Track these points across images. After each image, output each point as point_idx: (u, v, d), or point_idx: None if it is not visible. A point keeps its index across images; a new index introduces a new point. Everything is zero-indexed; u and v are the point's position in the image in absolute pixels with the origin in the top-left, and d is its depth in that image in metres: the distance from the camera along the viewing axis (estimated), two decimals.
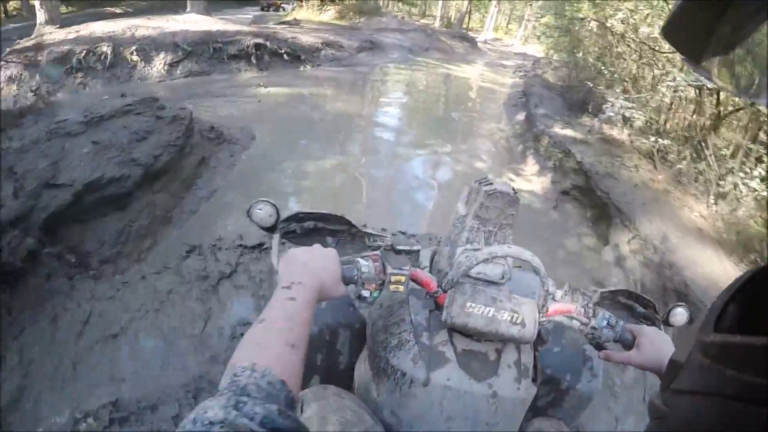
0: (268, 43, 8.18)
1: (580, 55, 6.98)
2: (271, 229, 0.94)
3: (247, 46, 7.83)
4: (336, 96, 7.36)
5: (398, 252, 0.97)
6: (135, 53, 6.89)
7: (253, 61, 7.79)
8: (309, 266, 0.73)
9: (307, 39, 9.24)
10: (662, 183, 4.20)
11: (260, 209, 0.92)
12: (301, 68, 8.59)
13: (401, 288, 0.86)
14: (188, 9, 10.00)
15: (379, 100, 7.79)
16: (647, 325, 1.05)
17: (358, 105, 7.26)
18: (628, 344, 0.92)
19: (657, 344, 0.87)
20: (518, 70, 11.04)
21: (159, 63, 7.03)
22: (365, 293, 0.84)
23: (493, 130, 6.73)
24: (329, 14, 14.56)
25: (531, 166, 5.17)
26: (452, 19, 21.36)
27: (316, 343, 1.18)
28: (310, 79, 8.04)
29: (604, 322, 0.93)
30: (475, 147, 5.93)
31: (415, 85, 9.27)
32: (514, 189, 1.03)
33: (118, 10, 11.31)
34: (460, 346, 0.95)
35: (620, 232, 3.61)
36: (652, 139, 4.57)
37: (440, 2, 20.59)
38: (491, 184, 1.01)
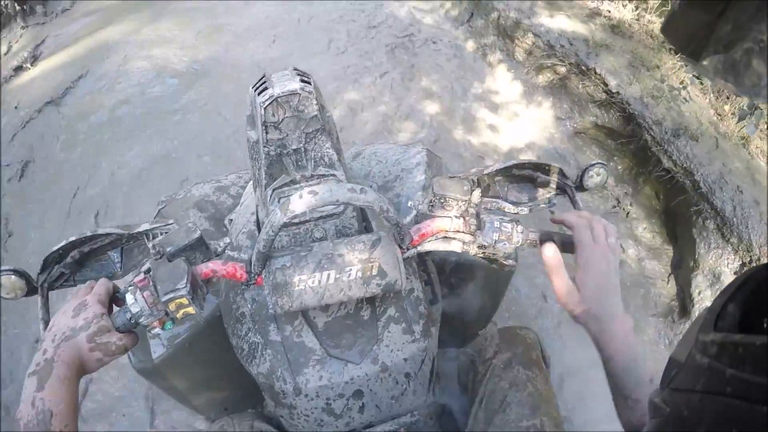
0: None
1: None
2: (31, 292, 0.73)
3: (6, 5, 4.27)
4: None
5: (172, 257, 0.67)
6: None
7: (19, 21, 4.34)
8: (57, 331, 0.59)
9: None
10: (728, 118, 2.52)
11: (1, 284, 0.70)
12: None
13: (191, 310, 0.64)
14: None
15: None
16: (558, 196, 0.86)
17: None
18: (565, 248, 0.69)
19: (598, 287, 0.63)
20: None
21: None
22: (156, 332, 0.66)
23: (407, 16, 3.81)
24: None
25: (508, 86, 3.13)
26: None
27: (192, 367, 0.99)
28: (101, 13, 4.20)
29: (494, 235, 0.70)
30: (404, 60, 3.36)
31: None
32: (303, 77, 0.74)
33: None
34: (321, 321, 0.77)
35: (715, 248, 2.12)
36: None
37: None
38: (266, 88, 0.73)
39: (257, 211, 0.90)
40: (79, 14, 4.37)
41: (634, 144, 2.56)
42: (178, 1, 4.03)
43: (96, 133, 2.91)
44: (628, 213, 2.53)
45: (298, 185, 0.77)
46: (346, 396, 0.76)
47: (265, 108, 0.71)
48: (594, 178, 0.84)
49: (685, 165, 2.28)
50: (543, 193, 0.86)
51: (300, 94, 0.71)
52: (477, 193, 0.75)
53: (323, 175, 0.78)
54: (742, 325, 0.32)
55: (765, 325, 0.31)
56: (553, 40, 3.01)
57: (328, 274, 0.66)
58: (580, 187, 0.85)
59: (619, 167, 2.68)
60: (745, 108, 2.45)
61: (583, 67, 2.82)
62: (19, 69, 3.81)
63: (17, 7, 4.48)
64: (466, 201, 0.73)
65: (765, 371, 0.26)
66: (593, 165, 0.83)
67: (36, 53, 3.98)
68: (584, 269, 0.64)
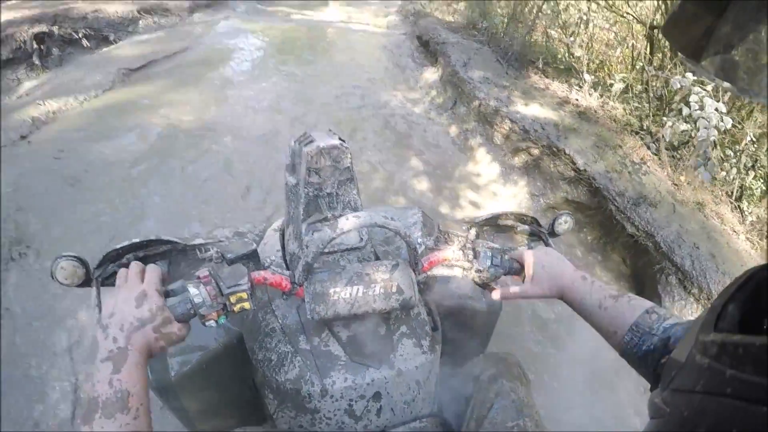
0: (55, 29, 5.27)
1: None
2: (86, 284, 0.80)
3: (24, 42, 5.01)
4: (162, 93, 4.25)
5: (232, 262, 0.83)
6: None
7: (36, 61, 4.96)
8: (123, 320, 0.63)
9: (115, 8, 6.17)
10: (684, 187, 2.86)
11: (63, 268, 0.76)
12: (111, 47, 5.60)
13: (247, 305, 0.75)
14: None
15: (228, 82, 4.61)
16: (534, 241, 1.02)
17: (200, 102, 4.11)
18: (518, 273, 0.87)
19: (548, 266, 0.82)
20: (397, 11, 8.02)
21: None
22: (210, 324, 0.73)
23: (399, 104, 4.29)
24: None
25: (487, 167, 3.49)
26: None
27: (205, 383, 1.03)
28: (121, 66, 4.80)
29: (488, 261, 0.86)
30: (395, 141, 3.75)
31: (275, 45, 5.86)
32: (340, 137, 0.92)
33: None
34: (344, 335, 0.88)
35: (679, 300, 2.34)
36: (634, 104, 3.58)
37: None
38: (312, 141, 0.89)
39: (284, 247, 1.03)
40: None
41: (601, 214, 2.81)
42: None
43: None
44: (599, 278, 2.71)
45: (329, 222, 0.90)
46: (367, 397, 0.85)
47: (311, 156, 0.86)
48: (563, 225, 0.99)
49: (646, 229, 2.54)
50: (521, 240, 1.03)
51: (339, 148, 0.88)
52: (473, 231, 0.93)
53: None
54: (742, 326, 0.32)
55: (765, 326, 0.32)
56: (527, 125, 3.38)
57: (358, 289, 0.79)
58: (552, 233, 1.00)
59: (589, 237, 2.91)
60: (699, 159, 2.73)
61: (554, 149, 3.15)
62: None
63: (35, 46, 4.81)
64: (464, 237, 0.92)
65: (765, 372, 0.26)
66: (561, 214, 0.99)
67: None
68: (528, 267, 0.83)
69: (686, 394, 0.34)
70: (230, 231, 1.26)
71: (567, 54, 4.40)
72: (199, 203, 2.79)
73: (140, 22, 6.33)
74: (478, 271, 0.87)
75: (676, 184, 2.90)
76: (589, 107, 3.71)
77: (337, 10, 8.76)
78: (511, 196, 3.18)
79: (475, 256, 0.88)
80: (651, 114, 3.52)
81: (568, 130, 3.27)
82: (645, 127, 3.45)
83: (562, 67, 4.40)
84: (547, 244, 1.01)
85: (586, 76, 3.82)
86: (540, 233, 1.02)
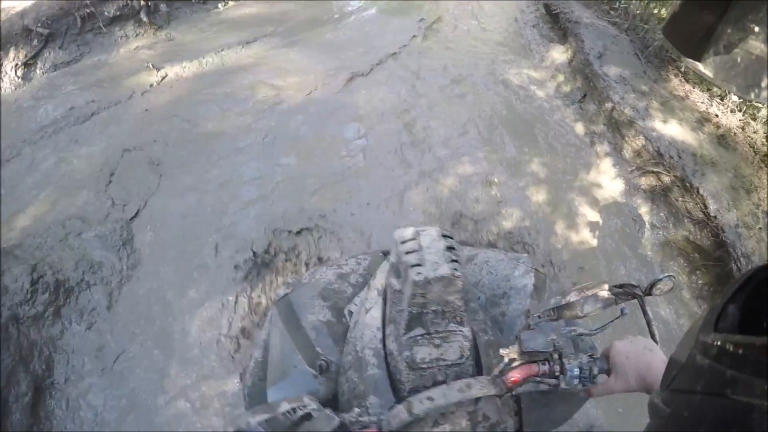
0: None
1: None
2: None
3: None
4: (288, 61, 4.24)
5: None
6: None
7: (143, 17, 4.82)
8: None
9: None
10: None
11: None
12: (220, 6, 5.29)
13: None
14: None
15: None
16: (627, 300, 0.89)
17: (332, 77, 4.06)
18: (609, 373, 0.83)
19: (633, 356, 0.77)
20: None
21: (9, 66, 4.29)
22: None
23: (520, 85, 4.07)
24: None
25: (610, 182, 3.35)
26: None
27: None
28: (235, 26, 4.91)
29: (575, 381, 0.82)
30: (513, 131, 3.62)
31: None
32: (449, 245, 0.85)
33: None
34: None
35: None
36: None
37: None
38: (420, 266, 0.82)
39: (384, 330, 0.98)
40: None
41: (720, 268, 2.85)
42: None
43: None
44: None
45: (430, 336, 0.87)
46: None
47: (416, 284, 0.81)
48: (662, 288, 0.87)
49: None
50: (611, 300, 0.90)
51: (448, 279, 0.80)
52: (558, 341, 0.85)
53: (452, 332, 0.88)
54: (742, 326, 0.32)
55: (765, 326, 0.31)
56: (663, 148, 3.28)
57: (444, 428, 0.80)
58: (649, 292, 0.87)
59: (700, 281, 2.97)
60: None
61: (687, 184, 3.10)
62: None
63: (141, 2, 4.75)
64: (548, 351, 0.84)
65: (765, 372, 0.26)
66: (663, 277, 0.86)
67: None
68: (612, 360, 0.81)
69: (686, 395, 0.34)
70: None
71: None
72: None
73: None
74: (563, 388, 0.83)
75: None
76: (729, 128, 3.53)
77: None
78: (630, 222, 3.22)
79: (562, 372, 0.83)
80: None
81: (706, 164, 3.18)
82: None
83: None
84: (643, 309, 0.89)
85: (734, 97, 3.57)
86: (635, 295, 0.89)
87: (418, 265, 0.82)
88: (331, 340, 1.03)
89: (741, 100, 3.63)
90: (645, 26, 4.34)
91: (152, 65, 4.25)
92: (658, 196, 3.27)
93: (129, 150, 3.38)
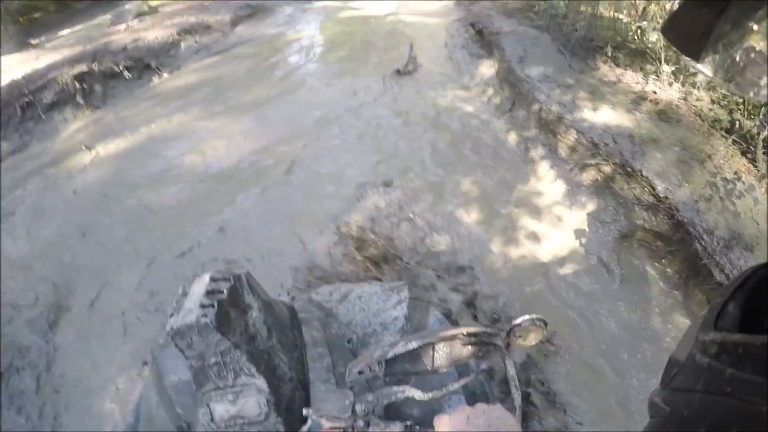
0: (95, 66, 5.15)
1: None
2: None
3: (67, 84, 4.90)
4: (216, 130, 4.19)
5: None
6: None
7: (80, 100, 4.93)
8: None
9: (155, 34, 5.96)
10: None
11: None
12: (154, 80, 5.49)
13: None
14: None
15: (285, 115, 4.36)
16: (486, 358, 0.76)
17: (258, 138, 4.02)
18: None
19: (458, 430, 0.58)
20: None
21: None
22: None
23: (449, 106, 4.01)
24: None
25: (550, 186, 3.16)
26: None
27: None
28: (163, 99, 4.98)
29: None
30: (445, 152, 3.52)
31: (332, 47, 5.91)
32: (205, 314, 0.76)
33: None
34: None
35: None
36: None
37: None
38: (173, 315, 0.77)
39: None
40: None
41: (685, 251, 2.48)
42: None
43: None
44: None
45: (223, 390, 0.83)
46: None
47: (167, 333, 0.76)
48: (523, 337, 0.74)
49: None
50: (469, 353, 0.77)
51: (200, 326, 0.75)
52: (360, 407, 0.74)
53: (246, 385, 0.83)
54: (742, 325, 0.32)
55: (765, 325, 0.31)
56: (596, 137, 3.04)
57: None
58: (508, 346, 0.76)
59: (668, 270, 2.60)
60: None
61: (628, 168, 2.81)
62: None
63: (77, 86, 4.88)
64: (348, 416, 0.72)
65: (765, 371, 0.26)
66: (525, 320, 0.73)
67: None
68: None
69: (686, 393, 0.34)
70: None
71: (638, 35, 3.84)
72: None
73: (181, 44, 6.15)
74: None
75: None
76: (669, 102, 3.26)
77: None
78: (578, 223, 2.89)
79: None
80: (744, 102, 3.00)
81: (646, 142, 2.90)
82: (738, 124, 2.97)
83: (633, 46, 3.86)
84: (505, 363, 0.76)
85: (665, 67, 3.33)
86: (494, 343, 0.76)
87: (172, 314, 0.78)
88: (192, 399, 0.95)
89: (676, 71, 3.39)
90: (565, 20, 4.23)
91: (85, 146, 4.20)
92: (602, 189, 2.99)
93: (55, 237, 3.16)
